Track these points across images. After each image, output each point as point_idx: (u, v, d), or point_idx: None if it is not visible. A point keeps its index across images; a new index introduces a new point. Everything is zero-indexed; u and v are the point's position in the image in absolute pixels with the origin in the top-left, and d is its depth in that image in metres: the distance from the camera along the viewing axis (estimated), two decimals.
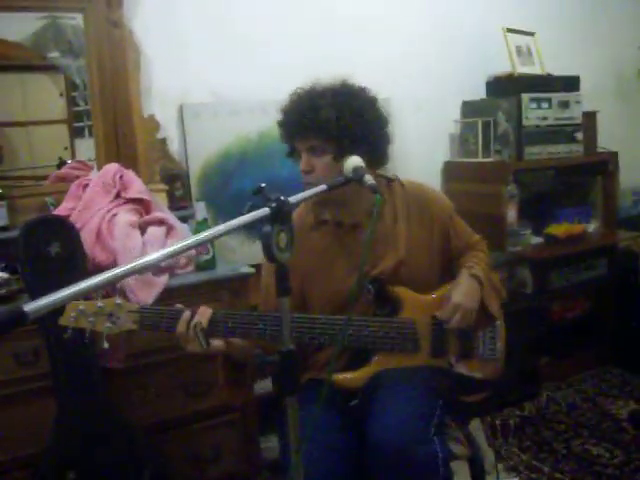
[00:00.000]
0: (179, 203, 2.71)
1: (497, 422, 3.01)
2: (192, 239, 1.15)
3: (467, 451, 1.94)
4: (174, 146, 2.84)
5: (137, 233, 2.13)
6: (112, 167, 2.33)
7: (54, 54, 2.78)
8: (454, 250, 1.99)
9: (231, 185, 2.89)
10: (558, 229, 3.44)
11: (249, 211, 1.26)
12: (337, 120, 1.73)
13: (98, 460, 1.92)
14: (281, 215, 1.25)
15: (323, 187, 1.49)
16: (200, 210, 2.32)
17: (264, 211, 1.24)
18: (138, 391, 2.15)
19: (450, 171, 3.52)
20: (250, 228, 2.79)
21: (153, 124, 2.76)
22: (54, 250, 1.86)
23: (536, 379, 3.33)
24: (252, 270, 2.31)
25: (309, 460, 1.44)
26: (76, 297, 0.85)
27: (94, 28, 2.65)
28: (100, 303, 1.62)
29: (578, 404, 3.25)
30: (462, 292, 1.85)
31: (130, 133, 2.70)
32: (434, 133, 3.53)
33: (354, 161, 1.65)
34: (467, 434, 2.01)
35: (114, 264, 2.03)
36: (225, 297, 2.26)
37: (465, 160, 3.46)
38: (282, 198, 1.27)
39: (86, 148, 2.88)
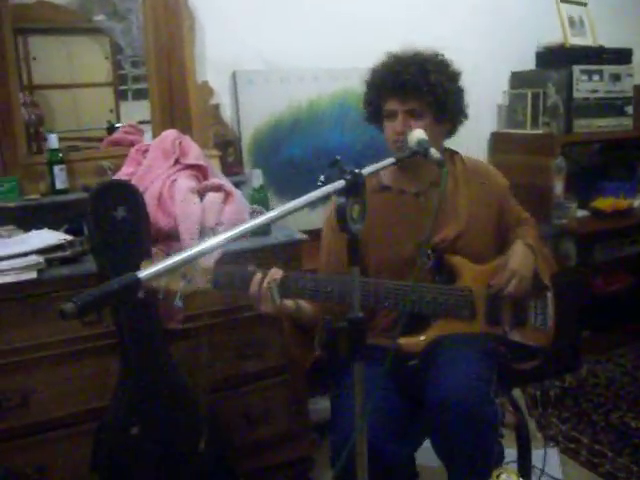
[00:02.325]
0: (231, 169, 2.76)
1: (537, 393, 3.05)
2: (273, 213, 1.19)
3: (514, 418, 2.00)
4: (226, 112, 2.87)
5: (197, 199, 2.18)
6: (171, 133, 2.38)
7: (99, 17, 2.81)
8: (506, 225, 2.05)
9: (281, 152, 2.93)
10: (604, 203, 3.42)
11: (324, 183, 1.29)
12: (444, 84, 1.84)
13: (159, 417, 2.00)
14: (355, 187, 1.28)
15: (391, 160, 1.52)
16: (256, 177, 2.36)
17: (340, 183, 1.27)
18: (194, 352, 2.22)
19: (497, 142, 3.52)
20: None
21: (207, 90, 2.79)
22: (120, 214, 1.92)
23: (577, 352, 3.35)
24: (305, 237, 2.35)
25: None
26: (180, 265, 0.90)
27: None
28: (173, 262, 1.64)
29: (618, 378, 3.27)
30: (518, 260, 1.91)
31: (184, 99, 2.74)
32: (481, 103, 3.50)
33: (418, 134, 1.68)
34: (513, 402, 2.06)
35: (175, 229, 2.09)
36: (279, 262, 2.30)
37: (513, 131, 3.45)
38: (356, 170, 1.30)
39: (130, 110, 2.94)
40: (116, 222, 1.92)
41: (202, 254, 0.95)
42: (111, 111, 2.93)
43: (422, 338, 1.83)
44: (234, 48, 2.85)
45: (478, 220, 1.95)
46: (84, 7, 2.79)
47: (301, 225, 2.70)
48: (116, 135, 2.83)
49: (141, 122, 2.87)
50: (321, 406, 2.67)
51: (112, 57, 2.89)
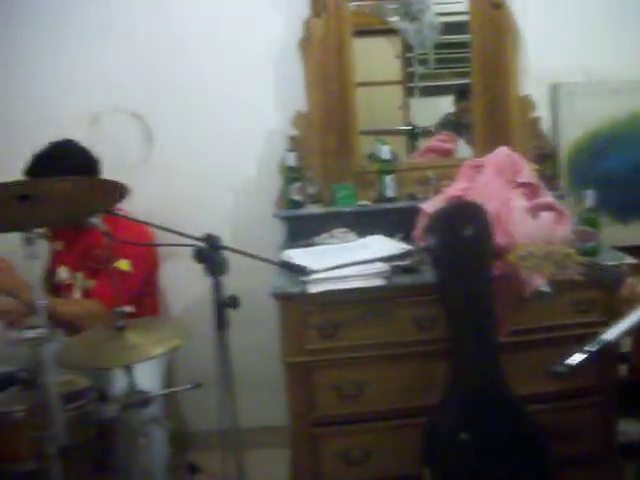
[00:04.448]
0: (548, 183, 2.77)
1: None
2: None
3: None
4: (545, 125, 2.89)
5: (530, 218, 2.24)
6: (503, 151, 2.45)
7: (393, 18, 2.94)
8: None
9: (598, 166, 2.88)
10: None
11: None
12: None
13: (488, 427, 2.10)
14: None
15: None
16: (589, 197, 2.35)
17: None
18: (517, 364, 2.29)
19: None
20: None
21: (528, 103, 2.84)
22: (467, 232, 2.04)
23: None
24: (635, 261, 2.31)
25: None
26: None
27: (477, 10, 2.79)
28: (550, 248, 1.77)
29: None
30: None
31: (505, 112, 2.82)
32: None
33: None
34: None
35: (512, 247, 2.16)
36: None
37: None
38: None
39: (418, 108, 3.04)
40: (463, 240, 2.05)
41: None
42: (400, 108, 3.06)
43: None
44: (554, 60, 2.85)
45: None
46: (381, 10, 2.95)
47: (612, 241, 2.65)
48: (433, 143, 3.01)
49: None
50: (627, 429, 2.62)
51: (402, 56, 3.02)
